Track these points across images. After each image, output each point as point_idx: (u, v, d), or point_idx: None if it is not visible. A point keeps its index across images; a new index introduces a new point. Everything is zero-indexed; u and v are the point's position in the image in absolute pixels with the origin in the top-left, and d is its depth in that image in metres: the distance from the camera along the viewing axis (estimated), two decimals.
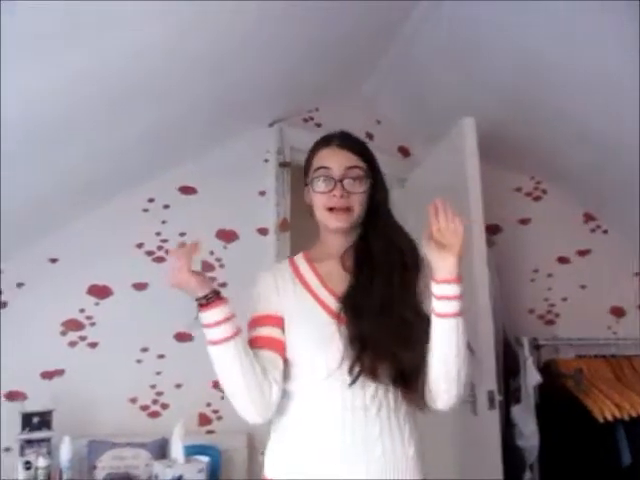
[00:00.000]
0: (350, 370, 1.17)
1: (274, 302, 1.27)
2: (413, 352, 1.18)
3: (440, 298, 1.15)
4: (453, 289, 1.15)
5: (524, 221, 2.99)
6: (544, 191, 3.03)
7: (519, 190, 3.04)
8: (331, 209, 1.27)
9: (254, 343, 1.24)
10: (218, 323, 1.16)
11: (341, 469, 1.17)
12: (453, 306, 1.15)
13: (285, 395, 1.25)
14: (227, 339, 1.16)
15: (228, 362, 1.17)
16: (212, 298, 1.17)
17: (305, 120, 2.77)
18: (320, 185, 1.28)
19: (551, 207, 3.01)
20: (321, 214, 1.30)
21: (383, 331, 1.18)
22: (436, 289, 1.16)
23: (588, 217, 3.01)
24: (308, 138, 2.56)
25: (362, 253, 1.28)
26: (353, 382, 1.17)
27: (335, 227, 1.29)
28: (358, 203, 1.27)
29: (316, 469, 1.19)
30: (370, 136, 2.94)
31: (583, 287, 2.91)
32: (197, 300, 1.18)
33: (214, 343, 1.17)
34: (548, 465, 2.29)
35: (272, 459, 1.27)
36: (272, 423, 1.28)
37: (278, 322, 1.26)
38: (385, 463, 1.18)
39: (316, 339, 1.23)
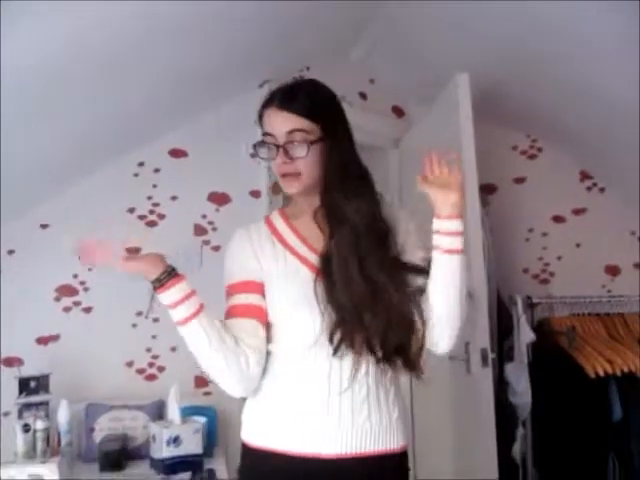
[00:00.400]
0: (330, 339, 1.13)
1: (251, 268, 1.22)
2: (395, 327, 1.14)
3: (446, 234, 1.14)
4: (458, 225, 1.14)
5: (519, 180, 2.96)
6: (540, 149, 2.99)
7: (515, 149, 3.00)
8: (282, 175, 1.21)
9: (231, 313, 1.20)
10: (177, 303, 1.14)
11: (323, 434, 1.14)
12: (459, 242, 1.14)
13: (267, 358, 1.20)
14: (189, 318, 1.14)
15: (196, 340, 1.15)
16: (165, 279, 1.14)
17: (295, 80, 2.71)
18: (265, 152, 1.22)
19: (547, 166, 2.97)
20: (279, 180, 1.24)
21: (358, 301, 1.13)
22: (441, 225, 1.14)
23: (584, 175, 2.98)
24: None
25: (332, 215, 1.22)
26: (335, 352, 1.13)
27: (289, 192, 1.23)
28: (305, 167, 1.19)
29: (296, 434, 1.15)
30: (363, 96, 2.89)
31: (578, 246, 2.90)
32: (152, 283, 1.15)
33: (178, 324, 1.15)
34: (540, 421, 2.32)
35: (249, 422, 1.24)
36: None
37: (256, 288, 1.21)
38: (370, 427, 1.16)
39: (305, 298, 1.16)
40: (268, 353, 1.21)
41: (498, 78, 2.56)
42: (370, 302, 1.14)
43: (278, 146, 1.18)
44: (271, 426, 1.18)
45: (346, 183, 1.22)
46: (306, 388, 1.16)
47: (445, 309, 1.16)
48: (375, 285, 1.15)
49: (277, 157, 1.18)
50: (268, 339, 1.21)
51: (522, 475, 2.35)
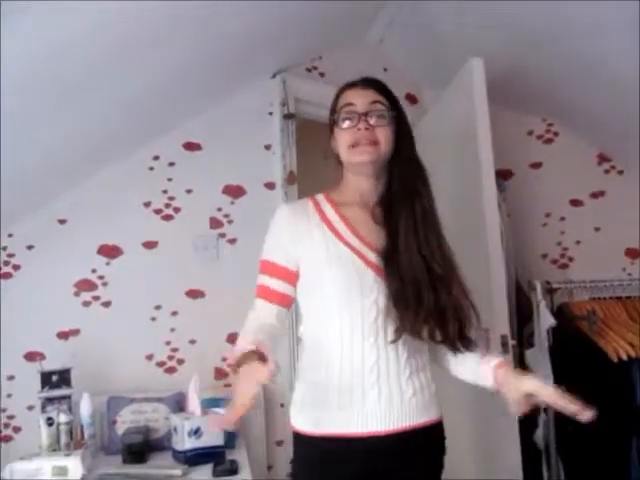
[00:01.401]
0: (395, 330, 1.20)
1: (289, 254, 1.27)
2: (450, 318, 1.23)
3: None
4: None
5: (535, 165, 2.92)
6: (556, 133, 2.95)
7: (530, 133, 2.96)
8: (355, 145, 1.25)
9: (264, 292, 1.28)
10: None
11: (376, 414, 1.21)
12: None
13: (311, 346, 1.29)
14: None
15: None
16: None
17: (308, 70, 2.70)
18: (345, 121, 1.27)
19: (563, 150, 2.93)
20: (345, 153, 1.28)
21: (422, 292, 1.20)
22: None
23: (602, 158, 2.93)
24: (312, 88, 2.57)
25: (392, 210, 1.27)
26: (395, 341, 1.20)
27: (359, 161, 1.26)
28: (384, 136, 1.25)
29: (350, 417, 1.21)
30: None
31: (597, 230, 2.86)
32: None
33: None
34: None
35: (301, 411, 1.29)
36: (297, 373, 1.34)
37: (287, 275, 1.27)
38: (416, 402, 1.24)
39: (356, 285, 1.21)
40: (311, 339, 1.29)
41: (512, 62, 2.52)
42: (431, 294, 1.20)
43: (359, 114, 1.24)
44: (324, 412, 1.23)
45: (411, 169, 1.29)
46: (355, 373, 1.21)
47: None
48: (437, 277, 1.22)
49: (359, 123, 1.23)
50: (309, 326, 1.29)
51: (546, 461, 2.34)
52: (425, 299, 1.19)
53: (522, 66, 2.57)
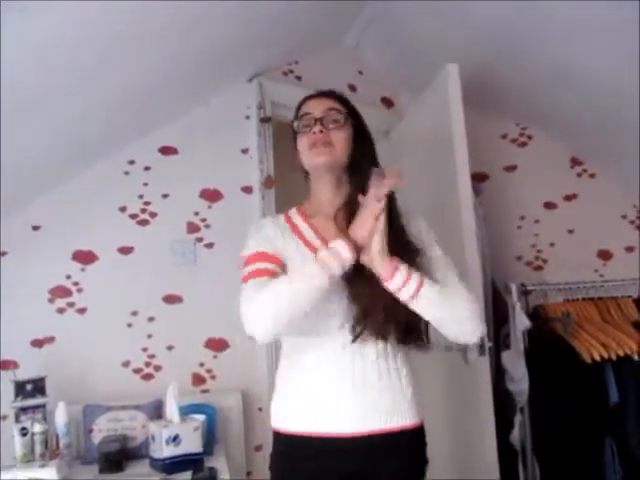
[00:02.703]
0: (352, 329, 1.24)
1: (279, 247, 1.31)
2: (411, 315, 1.25)
3: (396, 292, 1.21)
4: (393, 284, 1.20)
5: (510, 168, 2.97)
6: (530, 137, 3.00)
7: (504, 137, 3.00)
8: (312, 147, 1.32)
9: (264, 273, 1.26)
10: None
11: (338, 416, 1.25)
12: (404, 294, 1.20)
13: (286, 347, 1.34)
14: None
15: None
16: None
17: (284, 73, 2.70)
18: (302, 127, 1.35)
19: (537, 153, 2.98)
20: (306, 156, 1.34)
21: (382, 293, 1.22)
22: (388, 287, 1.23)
23: (575, 162, 2.99)
24: (288, 92, 2.57)
25: (353, 214, 1.29)
26: (354, 340, 1.24)
27: (317, 163, 1.32)
28: (339, 139, 1.32)
29: (314, 417, 1.26)
30: (352, 88, 2.88)
31: (570, 232, 2.91)
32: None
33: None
34: (538, 407, 2.33)
35: (274, 409, 1.35)
36: (276, 375, 1.37)
37: (277, 260, 1.30)
38: (385, 405, 1.26)
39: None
40: (286, 343, 1.34)
41: (486, 66, 2.56)
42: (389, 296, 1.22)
43: (315, 119, 1.32)
44: (300, 412, 1.28)
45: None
46: (328, 374, 1.26)
47: (445, 330, 1.27)
48: None
49: (314, 127, 1.32)
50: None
51: (522, 461, 2.37)
52: (383, 301, 1.22)
53: (495, 71, 2.61)
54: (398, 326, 1.27)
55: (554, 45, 2.28)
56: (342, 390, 1.25)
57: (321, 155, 1.31)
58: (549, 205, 2.94)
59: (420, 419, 1.33)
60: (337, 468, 1.25)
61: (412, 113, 2.71)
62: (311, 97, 1.41)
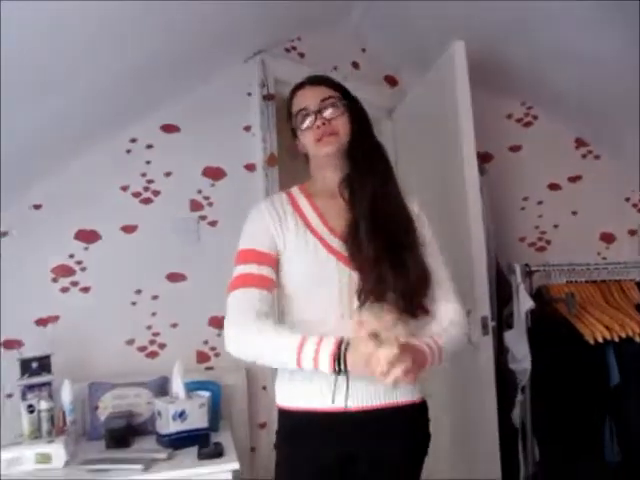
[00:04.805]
0: (358, 297, 1.24)
1: (271, 239, 1.32)
2: (414, 284, 1.27)
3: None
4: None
5: (514, 148, 2.95)
6: (535, 117, 2.97)
7: (510, 117, 2.97)
8: (319, 140, 1.34)
9: (248, 280, 1.28)
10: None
11: (352, 391, 1.24)
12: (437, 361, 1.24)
13: (290, 325, 1.31)
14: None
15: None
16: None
17: (287, 50, 2.66)
18: (303, 124, 1.36)
19: (542, 133, 2.95)
20: (313, 149, 1.36)
21: (385, 264, 1.25)
22: None
23: (580, 143, 2.96)
24: (291, 68, 2.54)
25: (354, 188, 1.35)
26: (362, 305, 1.24)
27: (325, 153, 1.35)
28: (341, 126, 1.35)
29: (318, 394, 1.26)
30: (355, 65, 2.85)
31: (574, 213, 2.91)
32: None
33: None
34: (539, 387, 2.35)
35: (279, 388, 1.35)
36: None
37: (270, 261, 1.31)
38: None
39: (315, 275, 1.29)
40: (290, 321, 1.33)
41: (491, 44, 2.52)
42: (393, 265, 1.25)
43: (314, 112, 1.34)
44: (305, 389, 1.28)
45: (369, 150, 1.37)
46: None
47: None
48: (399, 248, 1.27)
49: (316, 121, 1.33)
50: (286, 309, 1.34)
51: (522, 440, 2.39)
52: (386, 276, 1.24)
53: (501, 49, 2.57)
54: (400, 294, 1.25)
55: (560, 24, 2.25)
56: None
57: (329, 145, 1.34)
58: (553, 186, 2.93)
59: (423, 395, 1.35)
60: (343, 443, 1.26)
61: (416, 91, 2.68)
62: (302, 86, 1.40)
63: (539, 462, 2.36)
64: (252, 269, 1.29)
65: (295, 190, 1.43)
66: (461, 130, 2.15)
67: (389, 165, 1.40)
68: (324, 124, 1.33)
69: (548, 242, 2.90)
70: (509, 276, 2.45)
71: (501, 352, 2.37)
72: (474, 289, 2.11)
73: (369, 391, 1.26)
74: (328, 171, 1.39)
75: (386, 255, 1.25)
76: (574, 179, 2.93)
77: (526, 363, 2.28)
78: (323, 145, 1.33)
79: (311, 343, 1.16)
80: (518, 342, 2.30)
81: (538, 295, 2.48)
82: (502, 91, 2.90)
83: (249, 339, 1.23)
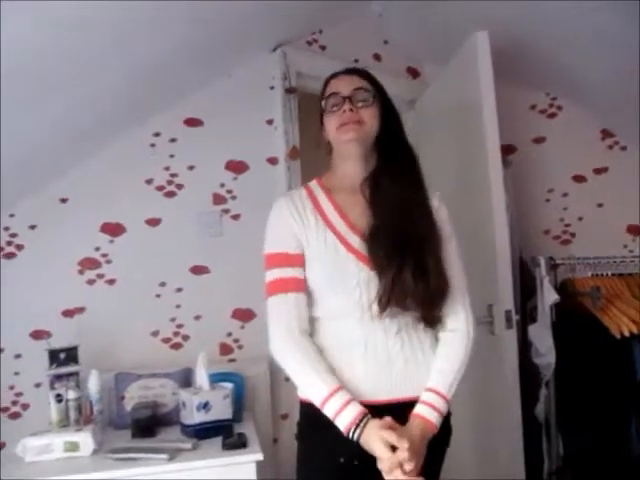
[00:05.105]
0: (379, 302, 1.24)
1: (297, 239, 1.32)
2: (433, 292, 1.27)
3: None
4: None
5: (539, 140, 2.90)
6: (559, 108, 2.92)
7: (533, 108, 2.93)
8: (342, 126, 1.32)
9: (283, 286, 1.30)
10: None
11: (362, 385, 1.26)
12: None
13: (311, 321, 1.33)
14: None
15: None
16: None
17: (309, 43, 2.66)
18: (332, 107, 1.35)
19: (567, 124, 2.90)
20: (334, 134, 1.35)
21: (406, 269, 1.24)
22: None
23: (606, 134, 2.91)
24: (313, 62, 2.54)
25: (379, 187, 1.33)
26: (382, 311, 1.24)
27: (347, 138, 1.33)
28: (368, 116, 1.33)
29: (350, 387, 1.25)
30: (377, 57, 2.84)
31: (600, 206, 2.86)
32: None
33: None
34: (564, 381, 2.32)
35: None
36: None
37: (299, 261, 1.31)
38: (409, 376, 1.29)
39: (335, 274, 1.29)
40: (313, 317, 1.33)
41: (514, 34, 2.48)
42: (414, 271, 1.24)
43: (344, 98, 1.32)
44: None
45: (399, 150, 1.37)
46: (344, 347, 1.29)
47: None
48: (421, 254, 1.26)
49: (344, 105, 1.31)
50: (309, 304, 1.33)
51: (546, 434, 2.37)
52: (406, 280, 1.24)
53: (525, 38, 2.53)
54: (419, 301, 1.26)
55: (585, 10, 2.20)
56: (367, 361, 1.27)
57: (351, 132, 1.32)
58: (578, 178, 2.88)
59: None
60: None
61: (438, 82, 2.66)
62: (337, 75, 1.39)
63: (563, 456, 2.34)
64: (286, 273, 1.30)
65: (314, 185, 1.42)
66: (484, 122, 2.13)
67: (419, 168, 1.38)
68: (351, 110, 1.31)
69: (573, 235, 2.86)
70: (533, 269, 2.43)
71: (525, 346, 2.35)
72: (497, 282, 2.09)
73: (390, 385, 1.27)
74: (350, 164, 1.37)
75: (408, 260, 1.24)
76: (600, 171, 2.88)
77: (550, 357, 2.26)
78: (345, 131, 1.32)
79: (338, 400, 1.20)
80: (542, 336, 2.28)
81: (562, 288, 2.45)
82: (526, 82, 2.86)
83: (289, 362, 1.27)
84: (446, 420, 1.34)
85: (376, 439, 1.16)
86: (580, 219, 2.86)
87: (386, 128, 1.36)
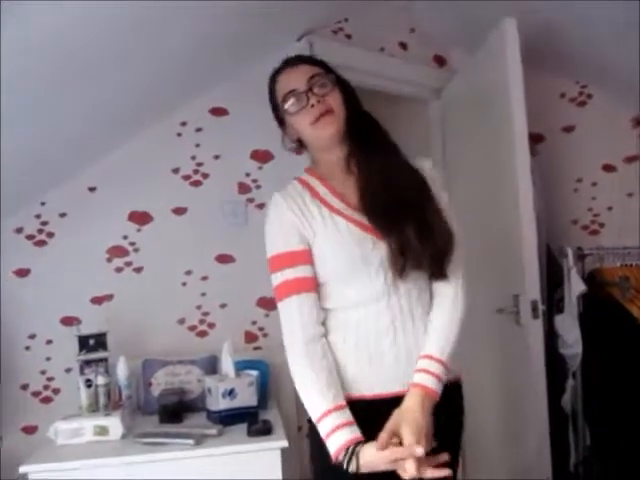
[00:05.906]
0: (395, 265, 1.20)
1: (299, 234, 1.26)
2: (441, 247, 1.22)
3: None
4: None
5: (568, 129, 2.85)
6: (589, 96, 2.87)
7: (563, 96, 2.87)
8: (315, 120, 1.25)
9: (293, 288, 1.24)
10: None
11: (390, 376, 1.23)
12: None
13: (327, 314, 1.28)
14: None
15: None
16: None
17: (334, 32, 2.64)
18: (294, 107, 1.27)
19: (597, 113, 2.85)
20: (310, 133, 1.29)
21: (409, 227, 1.20)
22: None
23: (637, 122, 2.84)
24: (339, 51, 2.52)
25: (361, 164, 1.29)
26: (401, 274, 1.20)
27: (328, 134, 1.27)
28: (335, 103, 1.27)
29: (353, 378, 1.24)
30: (404, 46, 2.81)
31: (630, 195, 2.80)
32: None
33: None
34: (591, 372, 2.30)
35: None
36: None
37: (305, 257, 1.25)
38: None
39: (358, 255, 1.23)
40: (327, 307, 1.27)
41: (544, 21, 2.44)
42: (419, 230, 1.20)
43: (305, 92, 1.25)
44: (344, 375, 1.24)
45: (366, 122, 1.32)
46: (372, 336, 1.24)
47: None
48: (420, 212, 1.22)
49: (309, 100, 1.24)
50: (321, 297, 1.27)
51: (572, 425, 2.35)
52: (409, 234, 1.20)
53: (554, 25, 2.48)
54: (428, 256, 1.21)
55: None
56: (391, 349, 1.23)
57: (328, 125, 1.26)
58: (608, 167, 2.83)
59: (459, 374, 1.33)
60: (380, 426, 1.17)
61: (466, 71, 2.63)
62: (282, 70, 1.31)
63: (590, 447, 2.32)
64: (295, 272, 1.24)
65: (306, 176, 1.37)
66: (512, 110, 2.10)
67: (386, 133, 1.34)
68: (319, 102, 1.24)
69: (601, 225, 2.81)
70: (560, 259, 2.40)
71: (551, 337, 2.32)
72: (524, 272, 2.07)
73: (401, 375, 1.22)
74: (331, 151, 1.32)
75: (410, 222, 1.20)
76: (630, 159, 2.82)
77: (577, 348, 2.24)
78: (322, 127, 1.26)
79: (332, 420, 1.15)
80: (569, 326, 2.26)
81: (590, 279, 2.42)
82: (555, 69, 2.80)
83: (296, 371, 1.27)
84: (458, 403, 1.32)
85: (379, 464, 1.09)
86: (609, 209, 2.81)
87: (349, 103, 1.31)
